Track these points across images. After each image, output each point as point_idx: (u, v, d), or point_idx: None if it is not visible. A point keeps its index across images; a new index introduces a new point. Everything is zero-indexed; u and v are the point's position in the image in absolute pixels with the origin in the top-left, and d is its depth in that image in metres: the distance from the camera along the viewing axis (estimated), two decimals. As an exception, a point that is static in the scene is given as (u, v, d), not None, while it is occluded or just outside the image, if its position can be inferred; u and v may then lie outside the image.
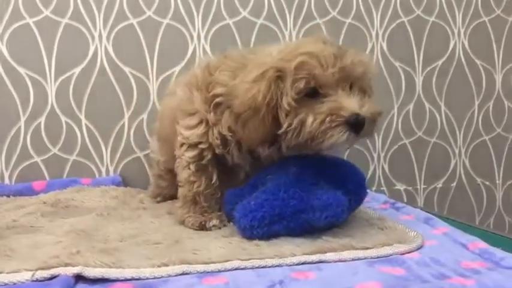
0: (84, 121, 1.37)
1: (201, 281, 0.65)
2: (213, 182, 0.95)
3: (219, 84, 0.92)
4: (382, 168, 1.53)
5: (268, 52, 0.89)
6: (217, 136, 0.92)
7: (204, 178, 0.95)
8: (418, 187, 1.56)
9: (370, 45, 1.50)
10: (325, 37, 0.89)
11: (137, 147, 1.40)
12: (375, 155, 1.52)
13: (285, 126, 0.82)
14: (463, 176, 1.58)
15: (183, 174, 0.96)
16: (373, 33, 1.50)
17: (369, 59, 0.87)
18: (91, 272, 0.66)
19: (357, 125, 0.80)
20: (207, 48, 1.41)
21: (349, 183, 0.88)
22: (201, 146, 0.94)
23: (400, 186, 1.55)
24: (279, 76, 0.82)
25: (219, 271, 0.69)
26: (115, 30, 1.37)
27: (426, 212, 0.99)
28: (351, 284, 0.61)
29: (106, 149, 1.39)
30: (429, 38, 1.53)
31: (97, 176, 1.39)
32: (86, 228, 0.90)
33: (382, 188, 1.53)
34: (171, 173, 1.12)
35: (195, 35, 1.41)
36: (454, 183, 1.58)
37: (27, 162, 1.35)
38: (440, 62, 1.54)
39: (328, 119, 0.79)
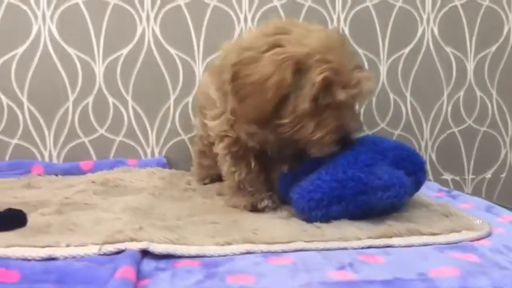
0: (130, 102, 1.37)
1: (267, 261, 0.64)
2: (252, 167, 0.94)
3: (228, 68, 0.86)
4: (430, 157, 1.49)
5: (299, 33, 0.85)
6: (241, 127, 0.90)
7: (244, 166, 0.94)
8: (466, 177, 1.51)
9: (420, 30, 1.45)
10: (341, 36, 0.89)
11: (182, 130, 1.40)
12: (423, 144, 1.48)
13: (285, 120, 0.81)
14: (513, 167, 1.53)
15: (224, 168, 0.96)
16: (424, 17, 1.45)
17: (375, 88, 0.88)
18: (157, 248, 0.65)
19: (346, 143, 0.83)
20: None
21: (409, 165, 0.85)
22: (228, 135, 0.92)
23: (448, 176, 1.51)
24: (298, 69, 0.80)
25: (283, 252, 0.67)
26: (162, 11, 1.36)
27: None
28: (425, 268, 0.59)
29: (152, 131, 1.39)
30: (482, 23, 1.47)
31: (142, 157, 1.39)
32: (140, 206, 0.90)
33: (429, 178, 1.49)
34: None
35: (241, 16, 1.39)
36: (504, 174, 1.53)
37: (75, 142, 1.36)
38: (493, 48, 1.49)
39: (328, 136, 0.81)
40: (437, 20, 1.46)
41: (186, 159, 1.39)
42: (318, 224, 0.78)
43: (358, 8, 1.43)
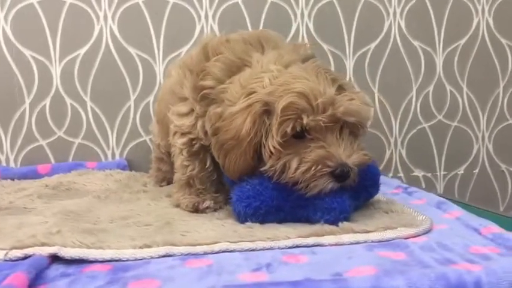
0: (89, 103, 1.34)
1: (184, 263, 0.61)
2: (207, 166, 0.91)
3: (210, 76, 0.86)
4: (400, 153, 1.46)
5: (269, 60, 0.82)
6: (201, 129, 0.87)
7: (198, 162, 0.91)
8: (438, 173, 1.48)
9: (387, 24, 1.42)
10: (319, 66, 0.82)
11: (143, 131, 1.37)
12: (392, 140, 1.45)
13: (267, 166, 0.76)
14: (486, 162, 1.49)
15: (177, 161, 0.93)
16: (391, 11, 1.42)
17: (363, 107, 0.78)
18: (67, 253, 0.62)
19: (342, 176, 0.74)
20: (215, 27, 1.36)
21: (361, 180, 0.79)
22: (190, 136, 0.89)
23: (419, 173, 1.47)
24: (266, 111, 0.76)
25: (205, 253, 0.64)
26: (120, 9, 1.33)
27: (441, 196, 0.92)
28: (343, 268, 0.56)
29: (112, 132, 1.36)
30: (451, 15, 1.44)
31: (103, 159, 1.36)
32: (77, 209, 0.86)
33: (399, 175, 1.45)
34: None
35: (202, 14, 1.36)
36: (477, 170, 1.49)
37: (33, 145, 1.33)
38: (463, 41, 1.45)
39: (313, 168, 0.73)
40: (404, 14, 1.43)
41: (147, 161, 1.35)
42: (252, 224, 0.74)
43: (322, 2, 1.40)
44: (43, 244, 0.63)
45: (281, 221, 0.76)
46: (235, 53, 0.87)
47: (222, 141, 0.78)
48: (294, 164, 0.74)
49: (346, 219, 0.74)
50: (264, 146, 0.75)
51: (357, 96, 0.78)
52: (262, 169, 0.76)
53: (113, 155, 1.37)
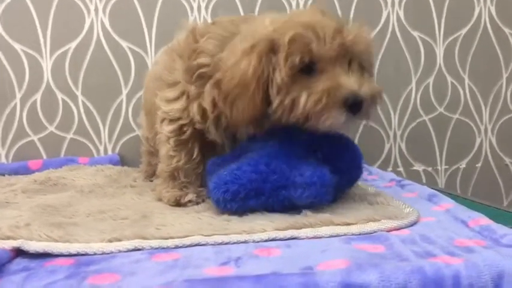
0: (80, 98, 1.32)
1: (151, 258, 0.58)
2: (193, 157, 0.88)
3: (204, 53, 0.83)
4: (399, 147, 1.41)
5: (261, 21, 0.80)
6: (197, 111, 0.84)
7: (184, 153, 0.88)
8: (439, 168, 1.43)
9: (385, 14, 1.38)
10: (324, 8, 0.80)
11: (136, 125, 1.34)
12: (391, 133, 1.41)
13: (275, 103, 0.74)
14: (489, 156, 1.44)
15: (162, 150, 0.90)
16: (389, 0, 1.38)
17: (370, 37, 0.78)
18: (32, 246, 0.59)
19: (355, 106, 0.71)
20: (208, 19, 1.33)
21: (341, 162, 0.78)
22: (181, 121, 0.86)
23: (419, 167, 1.43)
24: (271, 49, 0.74)
25: (176, 247, 0.61)
26: (111, 2, 1.31)
27: (441, 191, 0.89)
28: (314, 262, 0.53)
29: (104, 127, 1.34)
30: (451, 4, 1.40)
31: (95, 154, 1.34)
32: (57, 204, 0.84)
33: (398, 169, 1.41)
34: None
35: (195, 5, 1.33)
36: (479, 164, 1.44)
37: (24, 141, 1.32)
38: (464, 31, 1.41)
39: (324, 98, 0.71)
40: (403, 3, 1.38)
41: (140, 156, 1.33)
42: (229, 217, 0.72)
43: (317, -7, 1.36)
44: (8, 237, 0.61)
45: (264, 205, 0.73)
46: (225, 28, 0.85)
47: (226, 91, 0.75)
48: (303, 98, 0.72)
49: (328, 193, 0.72)
50: (272, 83, 0.73)
51: (364, 29, 0.77)
52: (269, 110, 0.75)
53: (105, 150, 1.35)
